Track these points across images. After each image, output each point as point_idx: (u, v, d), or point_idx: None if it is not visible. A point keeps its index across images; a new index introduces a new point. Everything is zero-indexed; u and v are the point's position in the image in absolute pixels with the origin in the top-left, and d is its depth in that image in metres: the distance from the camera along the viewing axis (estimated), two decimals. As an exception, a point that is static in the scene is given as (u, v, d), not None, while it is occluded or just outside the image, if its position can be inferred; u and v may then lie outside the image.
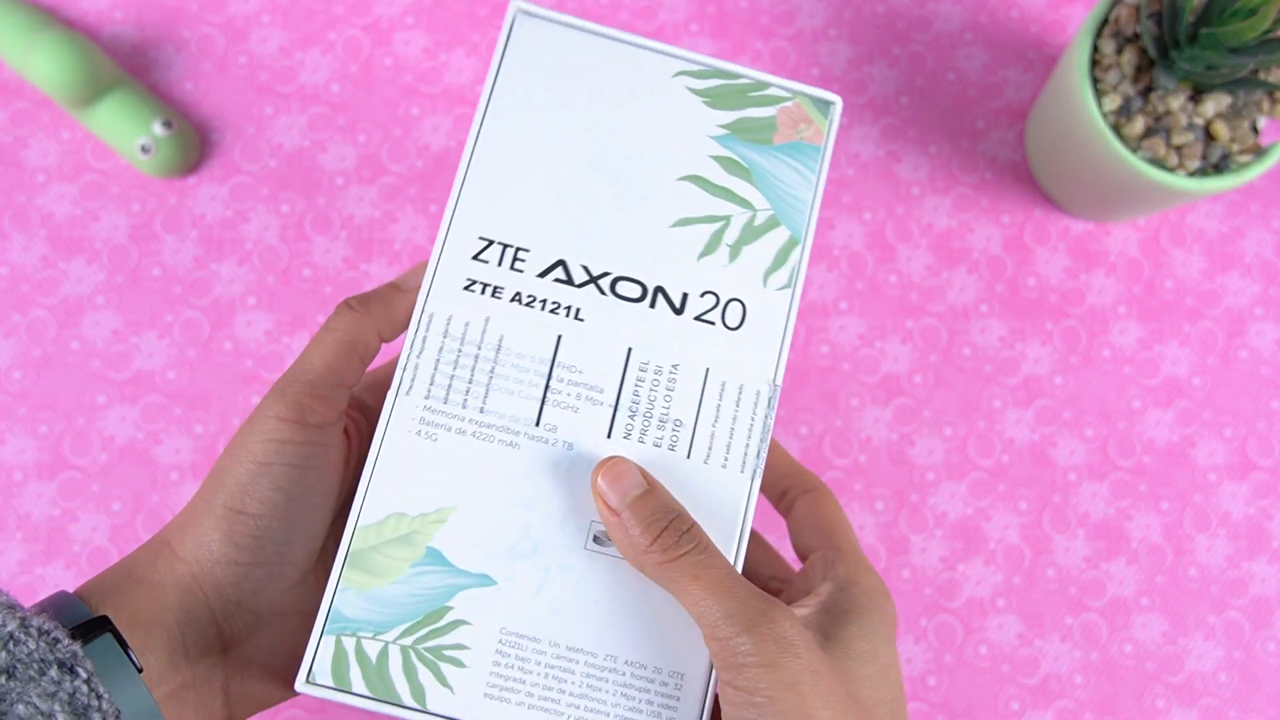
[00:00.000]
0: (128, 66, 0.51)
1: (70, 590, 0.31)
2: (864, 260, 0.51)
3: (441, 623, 0.31)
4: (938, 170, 0.51)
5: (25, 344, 0.49)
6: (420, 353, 0.32)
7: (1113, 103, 0.43)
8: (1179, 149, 0.44)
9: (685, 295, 0.34)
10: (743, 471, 0.33)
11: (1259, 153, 0.44)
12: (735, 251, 0.34)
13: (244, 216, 0.50)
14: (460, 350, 0.32)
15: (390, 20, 0.52)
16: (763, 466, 0.33)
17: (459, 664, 0.31)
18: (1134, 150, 0.44)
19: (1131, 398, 0.50)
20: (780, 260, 0.35)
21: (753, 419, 0.33)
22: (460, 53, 0.52)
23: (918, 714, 0.48)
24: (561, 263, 0.34)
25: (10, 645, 0.26)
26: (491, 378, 0.32)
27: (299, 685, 0.30)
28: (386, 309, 0.33)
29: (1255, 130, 0.44)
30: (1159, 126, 0.44)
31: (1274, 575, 0.49)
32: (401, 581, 0.31)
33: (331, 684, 0.30)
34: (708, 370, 0.33)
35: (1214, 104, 0.44)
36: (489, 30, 0.52)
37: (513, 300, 0.33)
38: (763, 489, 0.38)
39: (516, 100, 0.35)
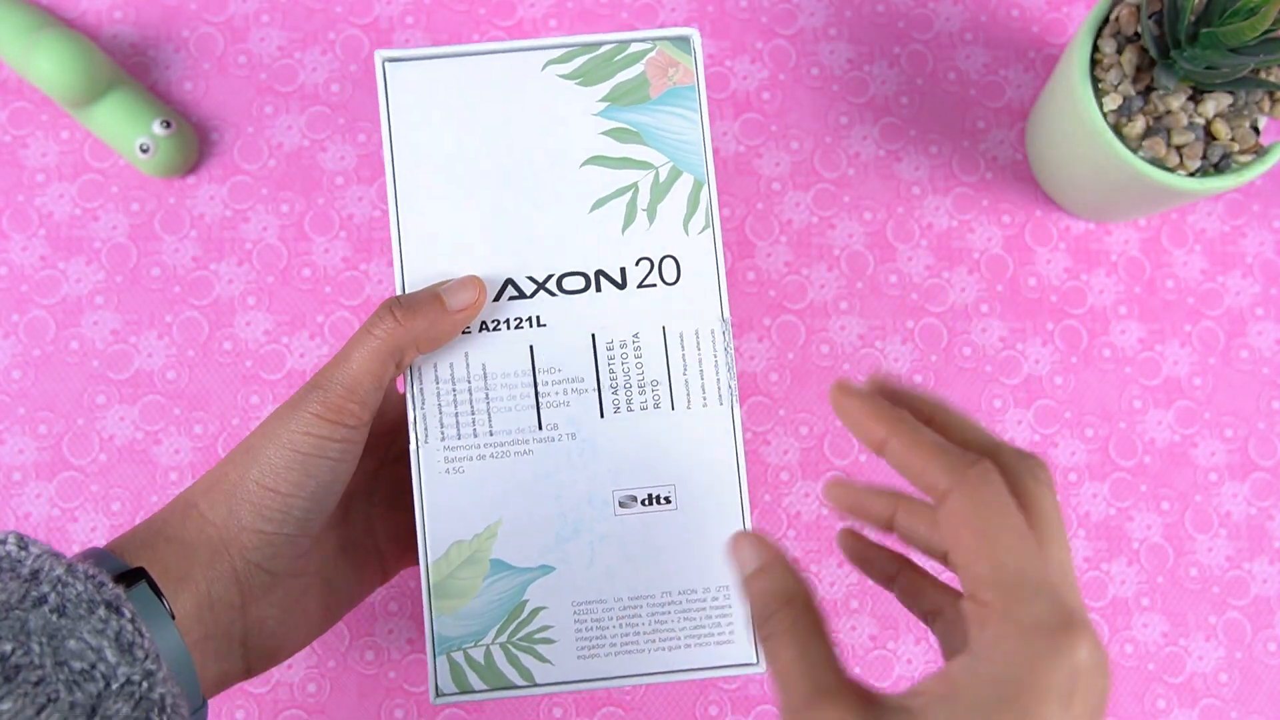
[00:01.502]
0: (127, 66, 0.51)
1: (100, 546, 0.34)
2: (864, 260, 0.51)
3: (524, 615, 0.36)
4: (938, 170, 0.51)
5: (24, 344, 0.49)
6: (422, 404, 0.36)
7: (1113, 102, 0.43)
8: (1179, 149, 0.44)
9: (623, 269, 0.37)
10: (721, 403, 0.37)
11: (1259, 152, 0.44)
12: (652, 213, 0.37)
13: (243, 216, 0.50)
14: (455, 390, 0.36)
15: (390, 20, 0.52)
16: (737, 392, 0.37)
17: (549, 641, 0.36)
18: (1134, 150, 0.43)
19: (1132, 398, 0.50)
20: (694, 205, 0.37)
21: (715, 355, 0.36)
22: (460, 52, 0.52)
23: (918, 714, 0.48)
24: (509, 281, 0.37)
25: (59, 587, 0.29)
26: (489, 403, 0.36)
27: (433, 701, 0.35)
28: (430, 328, 0.34)
29: (1256, 130, 0.44)
30: (1159, 126, 0.44)
31: (1275, 576, 0.49)
32: (480, 595, 0.36)
33: (456, 691, 0.35)
34: (664, 328, 0.36)
35: (1214, 104, 0.43)
36: (489, 30, 0.52)
37: (480, 330, 0.36)
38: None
39: (415, 147, 0.37)
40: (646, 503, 0.36)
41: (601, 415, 0.36)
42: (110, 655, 0.28)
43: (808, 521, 0.49)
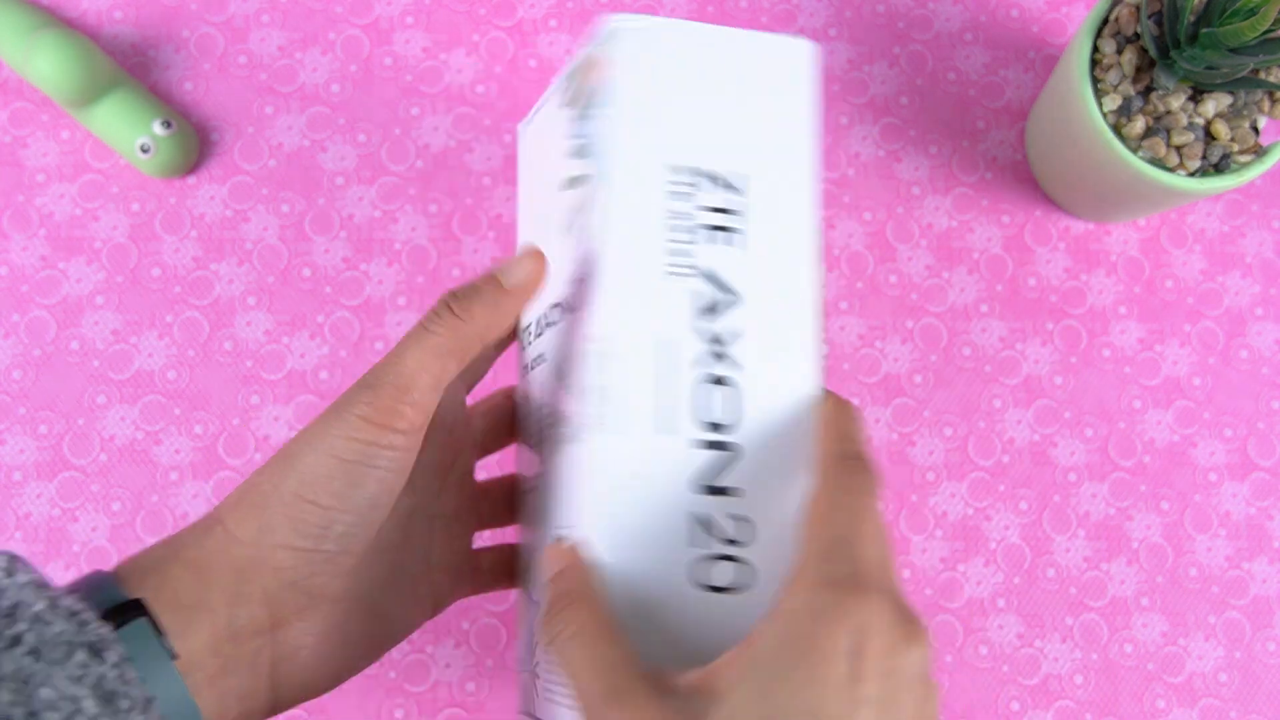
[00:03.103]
0: (128, 66, 0.51)
1: (107, 569, 0.30)
2: (864, 260, 0.51)
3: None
4: (938, 170, 0.51)
5: (25, 344, 0.49)
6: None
7: (1113, 102, 0.43)
8: (1179, 149, 0.44)
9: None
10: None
11: (1259, 153, 0.44)
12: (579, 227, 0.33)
13: (244, 216, 0.50)
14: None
15: (390, 20, 0.52)
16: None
17: None
18: (1134, 150, 0.43)
19: (1132, 398, 0.50)
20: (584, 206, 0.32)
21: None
22: (460, 52, 0.51)
23: (918, 714, 0.48)
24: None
25: (38, 625, 0.26)
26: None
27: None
28: (493, 314, 0.31)
29: (1255, 130, 0.44)
30: (1159, 126, 0.44)
31: (1274, 575, 0.49)
32: None
33: None
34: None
35: (1214, 104, 0.43)
36: (489, 30, 0.52)
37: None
38: None
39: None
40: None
41: None
42: (90, 706, 0.25)
43: (808, 521, 0.49)
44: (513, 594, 0.48)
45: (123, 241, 0.50)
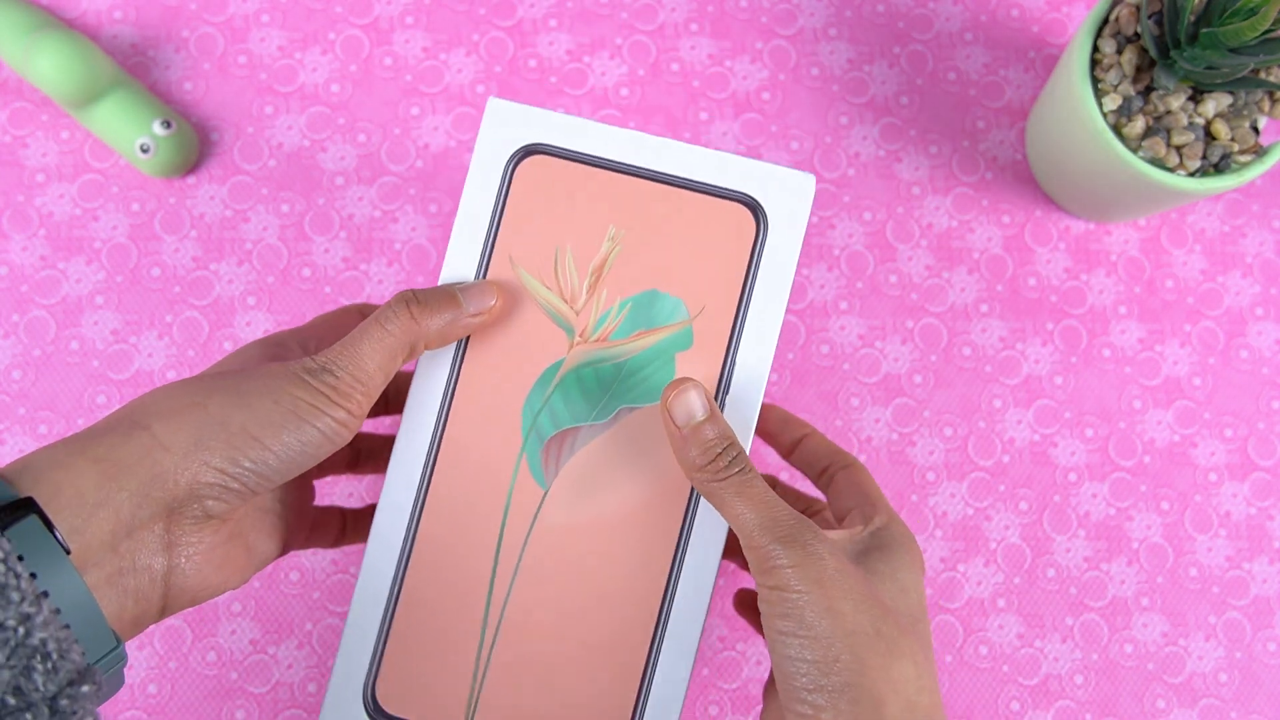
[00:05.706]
0: (127, 66, 0.51)
1: None
2: (864, 260, 0.51)
3: None
4: (938, 170, 0.51)
5: (25, 344, 0.49)
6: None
7: (1113, 102, 0.43)
8: (1179, 149, 0.44)
9: None
10: None
11: (1259, 152, 0.44)
12: None
13: (243, 216, 0.50)
14: None
15: (390, 20, 0.52)
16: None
17: None
18: (1134, 150, 0.43)
19: (1132, 398, 0.50)
20: None
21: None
22: (460, 52, 0.52)
23: (918, 714, 0.48)
24: None
25: None
26: None
27: None
28: (445, 329, 0.34)
29: (1255, 130, 0.44)
30: (1159, 126, 0.44)
31: (1274, 575, 0.49)
32: None
33: None
34: None
35: (1214, 104, 0.43)
36: (489, 30, 0.52)
37: None
38: (804, 469, 0.42)
39: None
40: None
41: None
42: None
43: (808, 521, 0.49)
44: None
45: (123, 241, 0.50)
